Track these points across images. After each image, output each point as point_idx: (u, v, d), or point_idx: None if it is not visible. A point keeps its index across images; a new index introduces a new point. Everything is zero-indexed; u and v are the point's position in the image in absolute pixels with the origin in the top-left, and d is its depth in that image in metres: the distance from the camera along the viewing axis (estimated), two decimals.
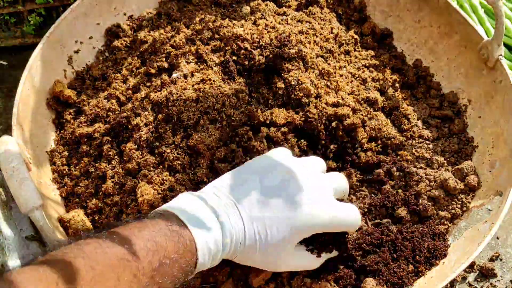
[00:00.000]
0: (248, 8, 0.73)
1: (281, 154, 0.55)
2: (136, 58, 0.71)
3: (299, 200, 0.50)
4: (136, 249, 0.42)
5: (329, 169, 0.61)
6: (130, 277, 0.41)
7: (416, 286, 0.56)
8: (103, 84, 0.72)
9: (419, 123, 0.70)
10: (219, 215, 0.48)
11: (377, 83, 0.71)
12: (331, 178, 0.56)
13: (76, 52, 0.76)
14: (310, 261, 0.54)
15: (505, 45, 0.89)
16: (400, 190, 0.62)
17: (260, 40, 0.66)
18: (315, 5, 0.76)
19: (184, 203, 0.49)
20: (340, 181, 0.57)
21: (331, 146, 0.62)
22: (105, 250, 0.41)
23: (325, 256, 0.55)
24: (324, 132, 0.62)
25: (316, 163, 0.57)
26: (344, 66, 0.70)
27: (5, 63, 0.93)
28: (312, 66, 0.65)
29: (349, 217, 0.53)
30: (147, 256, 0.42)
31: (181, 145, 0.60)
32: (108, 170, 0.62)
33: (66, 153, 0.68)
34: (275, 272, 0.56)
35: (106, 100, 0.68)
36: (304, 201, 0.50)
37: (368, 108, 0.67)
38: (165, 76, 0.66)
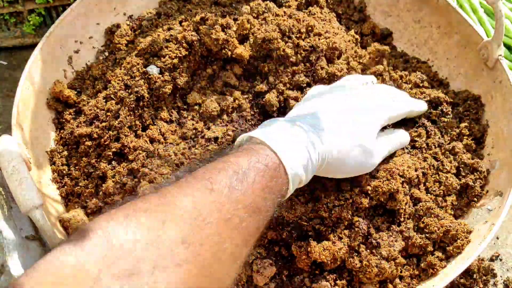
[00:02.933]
0: (248, 7, 0.73)
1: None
2: (135, 57, 0.71)
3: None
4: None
5: None
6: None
7: (418, 286, 0.56)
8: (101, 84, 0.72)
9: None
10: (314, 145, 0.50)
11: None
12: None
13: (76, 52, 0.76)
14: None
15: (505, 45, 0.89)
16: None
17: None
18: (315, 5, 0.76)
19: (274, 131, 0.49)
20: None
21: None
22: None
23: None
24: None
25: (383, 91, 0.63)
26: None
27: (5, 63, 0.93)
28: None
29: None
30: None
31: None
32: (108, 170, 0.62)
33: (66, 153, 0.68)
34: (275, 272, 0.56)
35: (104, 101, 0.68)
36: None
37: None
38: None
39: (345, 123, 0.54)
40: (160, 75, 0.65)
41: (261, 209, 0.44)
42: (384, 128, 0.63)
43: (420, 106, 0.67)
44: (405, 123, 0.68)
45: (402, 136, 0.64)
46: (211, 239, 0.39)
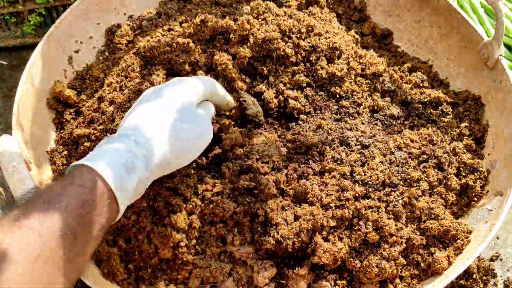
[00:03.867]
0: (249, 7, 0.73)
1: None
2: (134, 56, 0.71)
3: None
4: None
5: None
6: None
7: (418, 286, 0.56)
8: (98, 84, 0.72)
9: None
10: (137, 156, 0.48)
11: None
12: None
13: (76, 52, 0.76)
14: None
15: (505, 45, 0.89)
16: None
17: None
18: (315, 5, 0.77)
19: (97, 152, 0.49)
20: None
21: None
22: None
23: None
24: None
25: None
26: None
27: (5, 63, 0.93)
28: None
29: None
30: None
31: None
32: None
33: (66, 152, 0.67)
34: (276, 272, 0.56)
35: (98, 101, 0.68)
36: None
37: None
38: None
39: (158, 119, 0.53)
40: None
41: (78, 235, 0.43)
42: None
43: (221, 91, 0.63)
44: (409, 124, 0.68)
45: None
46: (20, 279, 0.38)
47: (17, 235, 0.40)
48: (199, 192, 0.58)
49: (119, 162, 0.47)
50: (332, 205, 0.58)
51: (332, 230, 0.57)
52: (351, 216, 0.57)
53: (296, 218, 0.58)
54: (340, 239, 0.56)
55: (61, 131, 0.70)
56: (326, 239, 0.56)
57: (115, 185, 0.46)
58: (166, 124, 0.52)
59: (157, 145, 0.50)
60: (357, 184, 0.60)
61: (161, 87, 0.56)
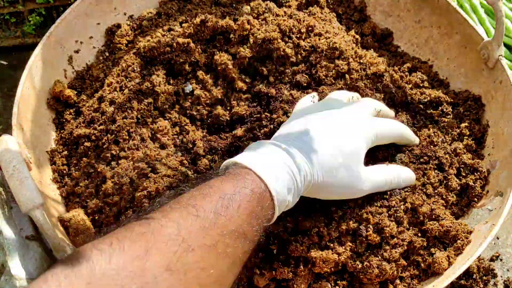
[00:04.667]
0: (249, 7, 0.73)
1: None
2: (134, 56, 0.71)
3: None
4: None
5: None
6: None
7: (418, 286, 0.56)
8: (98, 84, 0.72)
9: None
10: (296, 162, 0.49)
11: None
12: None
13: (76, 52, 0.76)
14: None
15: (505, 45, 0.89)
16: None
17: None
18: (315, 5, 0.77)
19: (260, 155, 0.49)
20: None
21: None
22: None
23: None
24: None
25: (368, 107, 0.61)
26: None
27: (5, 63, 0.93)
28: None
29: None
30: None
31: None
32: (107, 172, 0.62)
33: (66, 152, 0.68)
34: (276, 272, 0.56)
35: (98, 101, 0.68)
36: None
37: None
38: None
39: (331, 146, 0.53)
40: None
41: (247, 235, 0.44)
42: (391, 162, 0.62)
43: (410, 135, 0.64)
44: (413, 124, 0.68)
45: (402, 171, 0.60)
46: (196, 265, 0.39)
47: (195, 224, 0.41)
48: None
49: (285, 183, 0.48)
50: (336, 218, 0.57)
51: (334, 239, 0.57)
52: (356, 226, 0.56)
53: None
54: (342, 244, 0.56)
55: (61, 131, 0.70)
56: (326, 247, 0.56)
57: (277, 199, 0.47)
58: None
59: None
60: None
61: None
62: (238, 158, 0.49)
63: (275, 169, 0.48)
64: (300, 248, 0.55)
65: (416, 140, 0.65)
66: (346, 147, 0.54)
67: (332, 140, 0.54)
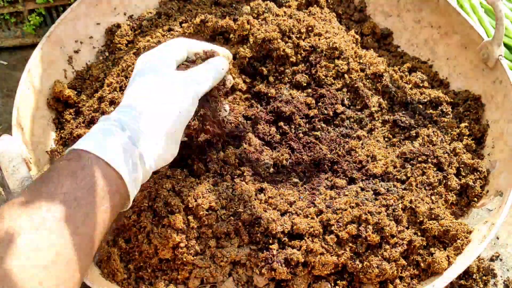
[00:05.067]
0: (249, 7, 0.73)
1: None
2: (134, 56, 0.71)
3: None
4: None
5: None
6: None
7: (418, 286, 0.56)
8: (98, 84, 0.72)
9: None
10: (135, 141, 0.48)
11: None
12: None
13: (76, 52, 0.76)
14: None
15: (505, 45, 0.89)
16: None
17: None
18: (315, 5, 0.77)
19: (99, 137, 0.48)
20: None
21: None
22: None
23: None
24: None
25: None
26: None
27: (5, 63, 0.93)
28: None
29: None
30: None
31: None
32: None
33: None
34: (275, 273, 0.56)
35: (98, 101, 0.68)
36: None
37: None
38: None
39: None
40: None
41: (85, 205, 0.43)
42: None
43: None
44: (410, 124, 0.68)
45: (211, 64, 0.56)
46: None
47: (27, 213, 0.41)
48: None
49: (112, 144, 0.47)
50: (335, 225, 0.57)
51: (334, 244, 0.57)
52: (356, 232, 0.56)
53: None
54: (342, 246, 0.56)
55: (61, 131, 0.70)
56: (326, 251, 0.56)
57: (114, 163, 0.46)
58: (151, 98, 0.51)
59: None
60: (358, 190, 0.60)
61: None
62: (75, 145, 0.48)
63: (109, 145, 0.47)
64: (297, 253, 0.55)
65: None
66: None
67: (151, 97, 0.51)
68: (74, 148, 0.46)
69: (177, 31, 0.72)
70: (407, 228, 0.58)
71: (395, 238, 0.56)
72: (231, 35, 0.69)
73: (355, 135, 0.66)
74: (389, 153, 0.65)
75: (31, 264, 0.39)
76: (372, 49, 0.77)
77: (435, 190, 0.62)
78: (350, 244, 0.56)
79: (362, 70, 0.71)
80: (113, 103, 0.66)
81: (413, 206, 0.59)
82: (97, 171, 0.45)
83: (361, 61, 0.71)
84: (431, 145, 0.65)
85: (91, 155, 0.45)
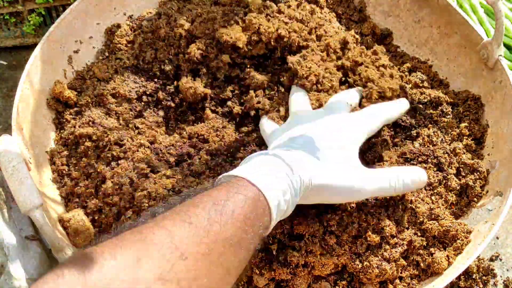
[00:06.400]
0: (248, 7, 0.73)
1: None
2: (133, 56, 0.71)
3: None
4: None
5: None
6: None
7: (418, 286, 0.56)
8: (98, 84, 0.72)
9: None
10: (292, 170, 0.48)
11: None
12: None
13: (76, 52, 0.76)
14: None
15: (505, 45, 0.89)
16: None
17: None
18: (315, 5, 0.76)
19: (253, 165, 0.49)
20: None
21: None
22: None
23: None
24: None
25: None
26: None
27: (5, 63, 0.93)
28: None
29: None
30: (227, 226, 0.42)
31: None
32: (107, 172, 0.62)
33: (66, 153, 0.67)
34: (275, 273, 0.56)
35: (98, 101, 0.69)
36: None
37: None
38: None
39: (327, 149, 0.53)
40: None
41: (242, 243, 0.43)
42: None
43: (398, 108, 0.64)
44: (411, 124, 0.68)
45: (405, 171, 0.57)
46: (189, 274, 0.38)
47: (188, 231, 0.40)
48: None
49: (279, 186, 0.47)
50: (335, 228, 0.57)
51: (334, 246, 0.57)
52: (356, 232, 0.56)
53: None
54: (341, 246, 0.56)
55: (61, 131, 0.70)
56: (325, 252, 0.56)
57: (273, 204, 0.46)
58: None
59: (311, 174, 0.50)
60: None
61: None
62: (231, 171, 0.48)
63: (269, 177, 0.47)
64: (297, 255, 0.55)
65: (403, 106, 0.65)
66: (342, 152, 0.54)
67: (326, 145, 0.54)
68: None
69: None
70: (407, 228, 0.58)
71: (395, 238, 0.56)
72: None
73: None
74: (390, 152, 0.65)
75: None
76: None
77: (435, 190, 0.62)
78: (350, 244, 0.56)
79: None
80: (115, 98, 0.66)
81: (413, 206, 0.59)
82: None
83: None
84: (431, 145, 0.65)
85: None
